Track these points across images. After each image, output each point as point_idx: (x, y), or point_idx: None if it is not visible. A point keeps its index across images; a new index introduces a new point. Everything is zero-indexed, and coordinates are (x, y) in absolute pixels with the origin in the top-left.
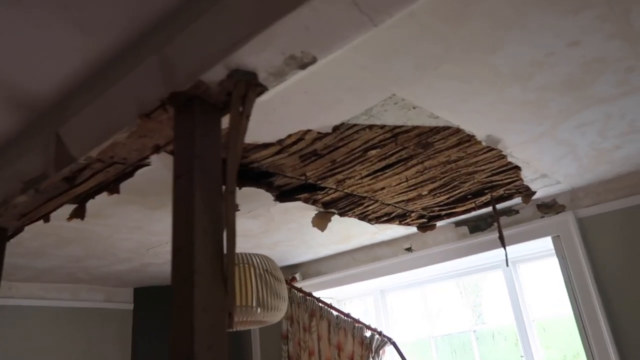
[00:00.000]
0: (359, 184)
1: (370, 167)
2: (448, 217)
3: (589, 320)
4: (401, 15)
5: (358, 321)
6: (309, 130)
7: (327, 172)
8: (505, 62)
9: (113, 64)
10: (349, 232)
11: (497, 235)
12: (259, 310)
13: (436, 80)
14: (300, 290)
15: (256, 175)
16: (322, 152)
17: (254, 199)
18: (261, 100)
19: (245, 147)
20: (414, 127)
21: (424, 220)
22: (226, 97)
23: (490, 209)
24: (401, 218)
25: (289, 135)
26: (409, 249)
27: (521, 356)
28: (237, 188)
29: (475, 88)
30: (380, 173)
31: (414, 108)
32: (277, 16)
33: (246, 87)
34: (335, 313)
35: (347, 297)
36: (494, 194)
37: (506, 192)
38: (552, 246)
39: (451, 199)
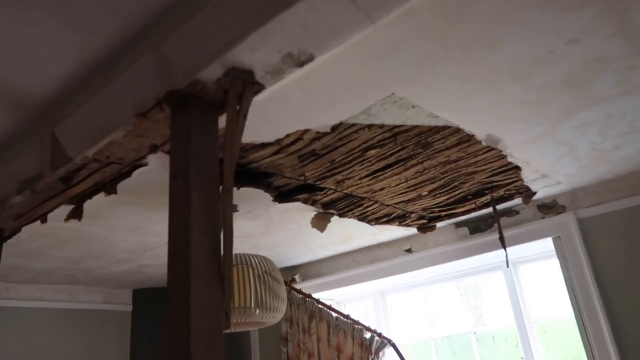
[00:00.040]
0: (359, 184)
1: (369, 167)
2: (448, 218)
3: (589, 321)
4: (399, 13)
5: (358, 323)
6: (307, 130)
7: (326, 172)
8: (505, 60)
9: (109, 63)
10: (349, 233)
11: (497, 236)
12: (257, 311)
13: (435, 79)
14: (299, 291)
15: (255, 176)
16: (321, 152)
17: (253, 199)
18: (259, 99)
19: (243, 147)
20: (414, 127)
21: (424, 221)
22: (223, 96)
23: (490, 209)
24: (401, 219)
25: (287, 135)
26: (409, 250)
27: (522, 358)
28: (236, 188)
29: (475, 87)
30: (380, 173)
31: (413, 107)
32: (273, 13)
33: (243, 85)
34: (334, 314)
35: (346, 298)
36: (494, 194)
37: (506, 192)
38: (552, 247)
39: (451, 200)
